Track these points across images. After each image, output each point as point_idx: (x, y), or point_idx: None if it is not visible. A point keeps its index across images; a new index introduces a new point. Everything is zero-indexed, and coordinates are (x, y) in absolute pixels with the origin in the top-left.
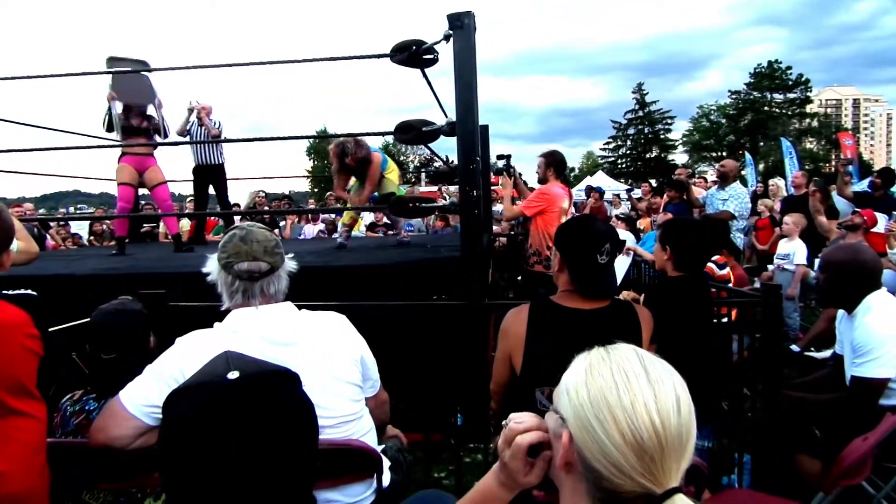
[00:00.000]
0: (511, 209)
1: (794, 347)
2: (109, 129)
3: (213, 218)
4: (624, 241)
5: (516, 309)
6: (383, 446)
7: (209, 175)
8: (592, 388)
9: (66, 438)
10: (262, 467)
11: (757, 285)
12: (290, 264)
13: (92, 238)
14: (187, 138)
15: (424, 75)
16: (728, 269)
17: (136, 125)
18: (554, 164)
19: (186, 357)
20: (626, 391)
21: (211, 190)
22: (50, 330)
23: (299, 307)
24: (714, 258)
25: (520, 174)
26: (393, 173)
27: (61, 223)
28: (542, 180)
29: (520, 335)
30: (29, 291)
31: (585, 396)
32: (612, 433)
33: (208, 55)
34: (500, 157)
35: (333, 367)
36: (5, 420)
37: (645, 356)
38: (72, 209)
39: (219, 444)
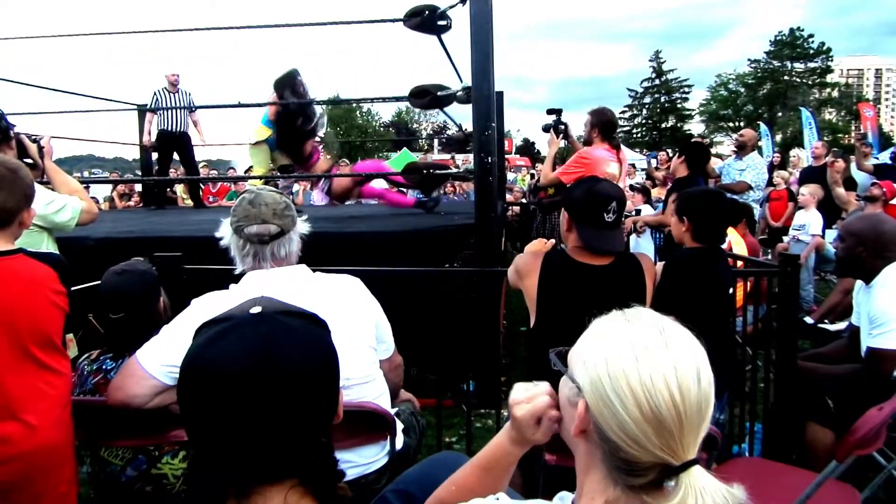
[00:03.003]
0: (548, 175)
1: (808, 319)
2: None
3: (226, 183)
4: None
5: (533, 254)
6: (396, 409)
7: (174, 142)
8: (610, 359)
9: (84, 397)
10: (278, 404)
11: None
12: (303, 226)
13: (115, 200)
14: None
15: (440, 40)
16: (727, 240)
17: None
18: (600, 124)
19: (202, 318)
20: (645, 364)
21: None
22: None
23: (314, 271)
24: None
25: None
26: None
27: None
28: (587, 142)
29: (533, 284)
30: (54, 252)
31: (604, 368)
32: (631, 408)
33: (221, 19)
34: (550, 112)
35: (348, 329)
36: (36, 375)
37: (665, 325)
38: (86, 173)
39: (234, 377)
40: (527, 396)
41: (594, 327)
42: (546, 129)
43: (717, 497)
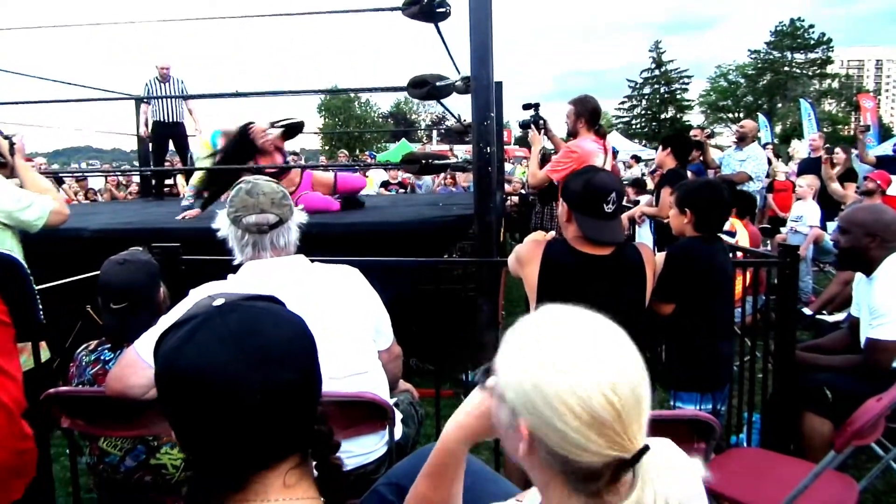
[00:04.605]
0: (536, 174)
1: (807, 310)
2: None
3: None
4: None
5: (534, 242)
6: (395, 399)
7: (169, 132)
8: (536, 373)
9: (82, 387)
10: (270, 386)
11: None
12: (300, 216)
13: (112, 191)
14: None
15: (437, 29)
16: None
17: None
18: (585, 113)
19: None
20: (571, 369)
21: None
22: (63, 282)
23: (311, 261)
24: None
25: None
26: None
27: (78, 178)
28: (572, 133)
29: (533, 273)
30: (8, 252)
31: (530, 385)
32: (568, 418)
33: (216, 10)
34: (526, 107)
35: (345, 320)
36: None
37: (581, 322)
38: (84, 164)
39: (219, 369)
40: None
41: (510, 344)
42: (524, 125)
43: (675, 476)
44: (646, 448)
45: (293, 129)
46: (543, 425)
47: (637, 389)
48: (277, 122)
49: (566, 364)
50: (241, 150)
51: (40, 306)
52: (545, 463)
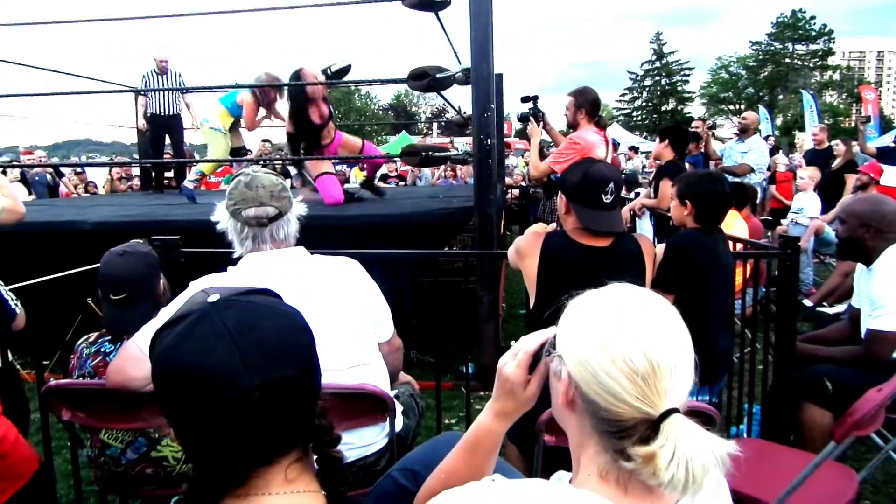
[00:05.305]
0: (538, 166)
1: (807, 302)
2: None
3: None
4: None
5: (534, 234)
6: (396, 391)
7: (166, 124)
8: (586, 323)
9: (82, 380)
10: (271, 381)
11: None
12: (300, 208)
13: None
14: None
15: (438, 18)
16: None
17: None
18: (586, 104)
19: None
20: (616, 321)
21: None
22: (62, 275)
23: (312, 253)
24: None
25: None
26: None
27: (77, 171)
28: (573, 125)
29: (533, 265)
30: None
31: (579, 332)
32: (604, 361)
33: (220, 4)
34: (525, 100)
35: (345, 312)
36: None
37: (636, 291)
38: (84, 157)
39: (219, 367)
40: (512, 353)
41: (571, 304)
42: (523, 118)
43: (697, 442)
44: (673, 410)
45: (343, 73)
46: (583, 369)
47: (676, 355)
48: (328, 67)
49: (621, 327)
50: (300, 99)
51: (12, 300)
52: (581, 415)
